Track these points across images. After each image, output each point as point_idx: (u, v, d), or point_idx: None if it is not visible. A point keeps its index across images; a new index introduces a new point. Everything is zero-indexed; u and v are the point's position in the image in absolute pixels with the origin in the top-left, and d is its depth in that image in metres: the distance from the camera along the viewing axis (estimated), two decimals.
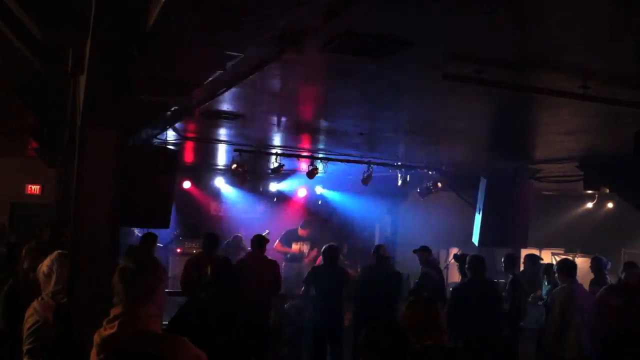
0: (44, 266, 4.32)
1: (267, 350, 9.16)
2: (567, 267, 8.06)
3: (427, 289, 9.63)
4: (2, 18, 4.73)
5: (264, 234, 10.06)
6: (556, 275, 8.05)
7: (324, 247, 9.60)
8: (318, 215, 16.59)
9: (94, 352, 3.03)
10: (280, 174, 13.20)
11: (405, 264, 12.40)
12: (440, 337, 3.86)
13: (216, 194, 16.25)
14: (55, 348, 3.93)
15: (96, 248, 3.88)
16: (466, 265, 8.44)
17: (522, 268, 11.12)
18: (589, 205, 15.53)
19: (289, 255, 14.09)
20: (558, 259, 13.09)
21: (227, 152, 12.30)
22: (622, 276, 8.05)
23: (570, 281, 7.83)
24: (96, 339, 3.03)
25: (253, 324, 8.80)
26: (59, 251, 4.39)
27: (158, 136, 9.53)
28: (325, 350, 9.25)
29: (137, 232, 12.34)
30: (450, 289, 10.05)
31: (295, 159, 12.36)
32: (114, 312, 3.04)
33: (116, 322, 2.98)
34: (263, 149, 11.69)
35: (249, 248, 14.02)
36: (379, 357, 3.22)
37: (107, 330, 3.00)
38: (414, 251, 10.86)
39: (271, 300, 9.32)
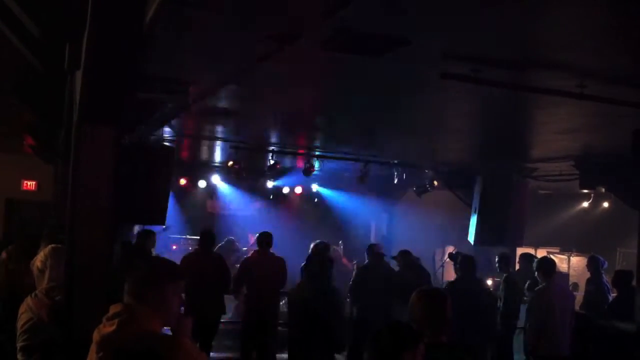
0: (38, 261, 4.29)
1: (274, 345, 9.15)
2: (546, 266, 8.08)
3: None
4: (0, 15, 4.72)
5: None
6: (535, 273, 8.07)
7: (313, 245, 9.56)
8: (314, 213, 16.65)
9: (92, 349, 3.00)
10: (277, 171, 13.19)
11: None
12: (438, 333, 3.82)
13: (212, 192, 16.24)
14: (51, 347, 3.91)
15: (93, 245, 3.86)
16: (457, 265, 8.44)
17: (517, 267, 11.14)
18: (585, 204, 15.55)
19: None
20: (554, 258, 13.13)
21: (224, 149, 12.31)
22: None
23: (548, 280, 7.86)
24: (95, 336, 3.00)
25: (260, 320, 8.83)
26: (53, 245, 4.35)
27: (155, 133, 9.53)
28: None
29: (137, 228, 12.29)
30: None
31: (292, 156, 12.37)
32: (114, 309, 3.02)
33: (116, 320, 2.95)
34: (259, 147, 11.69)
35: (243, 249, 14.10)
36: (379, 357, 3.21)
37: (106, 327, 2.97)
38: (392, 257, 10.71)
39: (279, 297, 9.31)
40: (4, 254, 6.22)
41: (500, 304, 9.25)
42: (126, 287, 3.04)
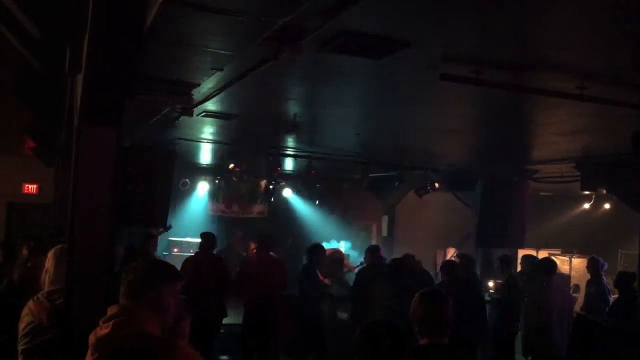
0: (46, 262, 4.30)
1: (272, 344, 9.13)
2: (546, 266, 8.09)
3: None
4: (1, 18, 4.73)
5: None
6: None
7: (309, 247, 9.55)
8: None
9: (89, 352, 3.00)
10: (278, 173, 13.21)
11: None
12: (440, 334, 3.82)
13: (213, 194, 16.23)
14: (52, 350, 3.91)
15: (94, 248, 3.86)
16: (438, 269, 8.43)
17: (519, 269, 11.14)
18: (586, 206, 15.54)
19: None
20: (555, 259, 13.13)
21: (225, 151, 12.31)
22: None
23: (548, 280, 7.86)
24: (91, 338, 2.99)
25: (261, 321, 8.82)
26: (58, 246, 4.33)
27: (157, 135, 9.52)
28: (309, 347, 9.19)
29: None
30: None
31: (291, 158, 12.36)
32: (110, 311, 3.01)
33: (111, 322, 2.94)
34: (260, 149, 11.68)
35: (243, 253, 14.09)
36: (377, 357, 3.21)
37: (102, 329, 2.96)
38: None
39: (279, 298, 9.30)
40: (24, 251, 6.16)
41: (502, 304, 9.23)
42: (122, 289, 3.03)
